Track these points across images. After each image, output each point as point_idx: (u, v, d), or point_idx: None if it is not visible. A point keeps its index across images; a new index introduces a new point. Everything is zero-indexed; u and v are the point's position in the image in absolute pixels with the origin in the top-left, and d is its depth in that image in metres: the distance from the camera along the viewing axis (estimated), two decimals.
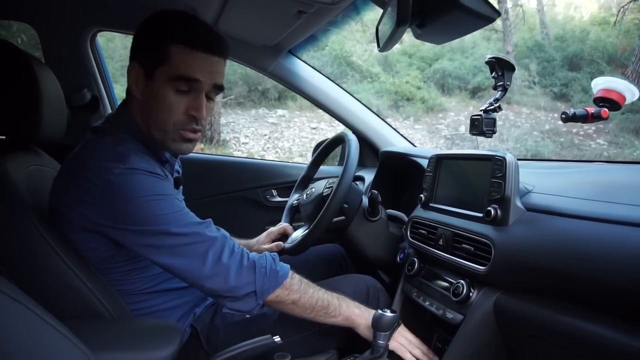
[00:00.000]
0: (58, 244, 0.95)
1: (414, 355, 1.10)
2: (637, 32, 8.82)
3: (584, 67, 9.11)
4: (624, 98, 1.00)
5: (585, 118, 1.01)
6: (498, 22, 9.84)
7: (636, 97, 1.01)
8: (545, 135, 7.88)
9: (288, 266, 1.06)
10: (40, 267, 0.95)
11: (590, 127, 7.81)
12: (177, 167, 1.25)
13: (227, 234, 1.03)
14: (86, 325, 0.92)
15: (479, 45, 10.20)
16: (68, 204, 0.96)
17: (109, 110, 1.86)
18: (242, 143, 7.88)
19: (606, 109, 1.00)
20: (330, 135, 1.56)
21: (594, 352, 0.78)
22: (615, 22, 9.50)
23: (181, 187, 1.27)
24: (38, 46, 1.75)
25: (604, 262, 0.76)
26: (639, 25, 9.02)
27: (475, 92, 9.32)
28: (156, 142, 1.05)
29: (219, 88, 1.06)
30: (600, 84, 1.02)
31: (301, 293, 1.05)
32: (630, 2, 8.85)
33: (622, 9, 9.22)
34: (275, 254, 1.08)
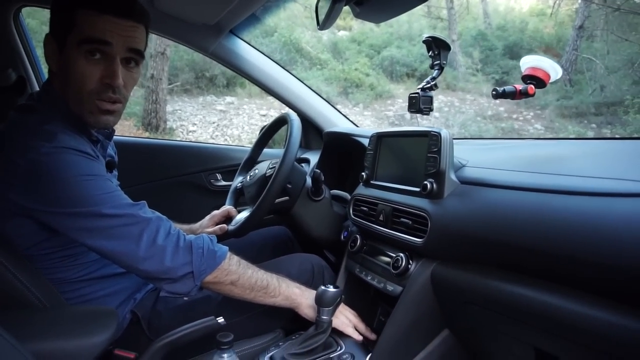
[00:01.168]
0: None
1: (356, 330, 1.13)
2: (571, 24, 9.31)
3: (523, 55, 9.50)
4: (548, 76, 1.05)
5: (513, 94, 1.06)
6: (444, 11, 10.11)
7: (559, 76, 1.07)
8: (488, 121, 8.21)
9: (226, 247, 1.05)
10: None
11: (529, 113, 8.23)
12: (111, 151, 1.20)
13: (163, 216, 1.00)
14: (14, 315, 0.88)
15: (425, 33, 10.42)
16: None
17: None
18: (190, 131, 7.68)
19: (532, 86, 1.05)
20: None
21: (523, 313, 0.83)
22: (551, 14, 10.01)
23: (115, 171, 1.22)
24: None
25: (532, 228, 0.81)
26: (572, 17, 9.51)
27: (422, 79, 9.47)
28: (76, 116, 1.00)
29: (138, 54, 1.01)
30: (528, 62, 1.07)
31: (239, 274, 1.04)
32: None
33: (557, 1, 9.70)
34: (213, 235, 1.07)
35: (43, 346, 0.79)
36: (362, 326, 1.15)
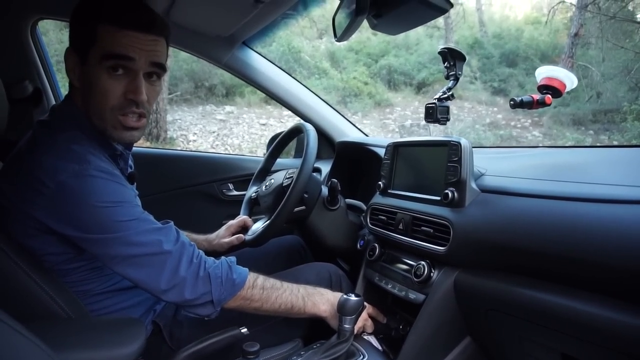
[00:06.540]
0: (7, 245, 0.89)
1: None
2: (566, 32, 9.41)
3: (519, 63, 9.64)
4: (564, 85, 1.08)
5: (531, 104, 1.08)
6: (440, 20, 10.20)
7: (575, 85, 1.09)
8: (486, 128, 8.27)
9: (246, 272, 1.04)
10: None
11: (526, 120, 8.29)
12: (130, 162, 1.21)
13: (187, 239, 1.01)
14: (46, 327, 0.88)
15: (422, 42, 10.53)
16: (16, 204, 0.90)
17: (54, 103, 1.76)
18: (190, 141, 7.69)
19: (549, 96, 1.07)
20: (279, 131, 1.57)
21: (548, 319, 0.84)
22: (546, 22, 10.12)
23: (135, 184, 1.23)
24: None
25: (554, 235, 0.82)
26: (567, 25, 9.62)
27: (420, 88, 9.63)
28: (98, 132, 1.00)
29: (160, 67, 1.01)
30: (543, 72, 1.10)
31: (262, 302, 1.05)
32: (559, 2, 9.43)
33: (552, 10, 9.81)
34: (233, 259, 1.06)
35: (76, 356, 0.80)
36: (377, 315, 1.22)
